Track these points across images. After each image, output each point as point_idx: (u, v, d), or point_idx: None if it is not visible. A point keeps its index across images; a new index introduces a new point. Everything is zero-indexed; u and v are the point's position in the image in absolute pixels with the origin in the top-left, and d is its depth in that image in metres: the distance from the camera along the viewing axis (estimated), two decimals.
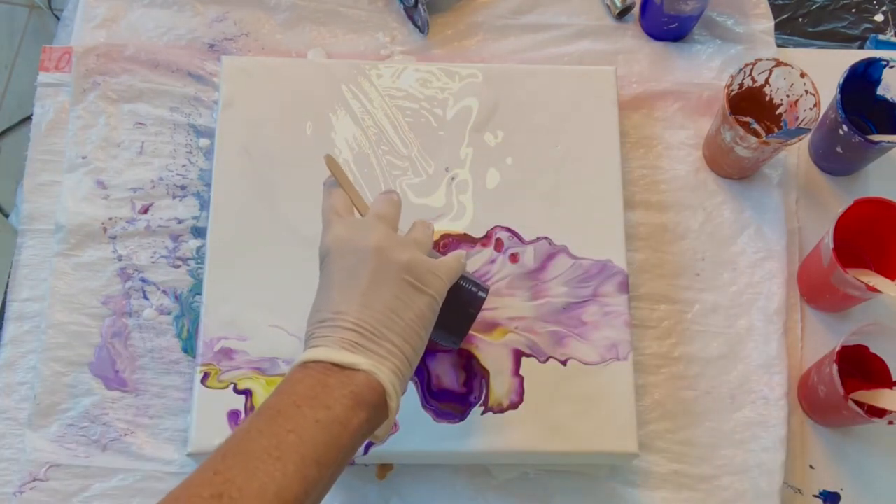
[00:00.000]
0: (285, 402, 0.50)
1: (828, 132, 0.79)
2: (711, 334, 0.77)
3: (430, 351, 0.71)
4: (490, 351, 0.71)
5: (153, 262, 0.77)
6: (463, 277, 0.62)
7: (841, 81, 0.76)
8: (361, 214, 0.61)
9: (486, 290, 0.63)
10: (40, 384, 0.73)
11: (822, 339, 0.78)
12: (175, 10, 0.85)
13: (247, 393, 0.69)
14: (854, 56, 0.79)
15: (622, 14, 0.87)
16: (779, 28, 0.88)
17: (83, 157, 0.79)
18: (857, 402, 0.67)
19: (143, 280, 0.76)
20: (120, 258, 0.77)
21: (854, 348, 0.72)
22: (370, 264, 0.55)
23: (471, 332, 0.71)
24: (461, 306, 0.62)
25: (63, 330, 0.74)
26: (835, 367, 0.68)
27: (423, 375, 0.70)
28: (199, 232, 0.78)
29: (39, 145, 0.81)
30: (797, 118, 0.77)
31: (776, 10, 0.89)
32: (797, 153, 0.84)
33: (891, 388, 0.71)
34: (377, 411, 0.53)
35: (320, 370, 0.52)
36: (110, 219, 0.77)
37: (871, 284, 0.70)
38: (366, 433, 0.53)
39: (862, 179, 0.84)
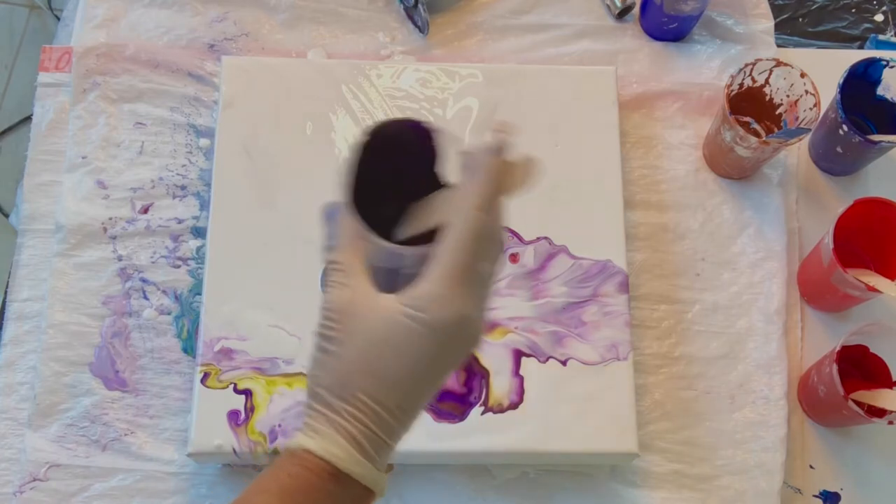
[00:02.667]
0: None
1: (828, 132, 0.79)
2: (711, 334, 0.77)
3: None
4: (490, 351, 0.71)
5: (153, 262, 0.77)
6: None
7: (841, 81, 0.76)
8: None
9: None
10: (40, 384, 0.73)
11: (822, 339, 0.78)
12: (175, 10, 0.85)
13: (247, 393, 0.69)
14: (854, 56, 0.79)
15: (622, 14, 0.87)
16: (779, 28, 0.88)
17: (83, 157, 0.79)
18: (857, 402, 0.67)
19: (143, 280, 0.76)
20: (120, 258, 0.77)
21: (854, 348, 0.72)
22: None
23: None
24: None
25: (63, 330, 0.74)
26: (835, 367, 0.68)
27: None
28: (199, 232, 0.78)
29: (39, 145, 0.81)
30: (797, 118, 0.77)
31: (776, 10, 0.89)
32: (797, 153, 0.84)
33: (891, 388, 0.71)
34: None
35: (329, 477, 0.42)
36: (110, 219, 0.77)
37: (871, 284, 0.70)
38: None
39: (862, 179, 0.84)
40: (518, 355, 0.71)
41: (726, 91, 0.75)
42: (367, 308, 0.44)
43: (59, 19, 1.05)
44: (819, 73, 0.76)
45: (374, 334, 0.43)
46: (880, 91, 0.79)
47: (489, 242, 0.45)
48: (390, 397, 0.43)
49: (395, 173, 0.50)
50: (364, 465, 0.43)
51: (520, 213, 0.75)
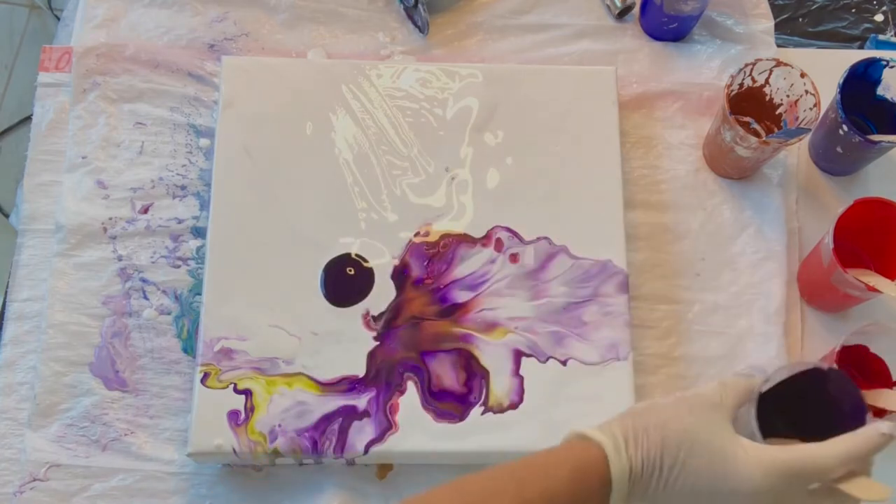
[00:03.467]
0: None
1: (828, 132, 0.79)
2: (711, 334, 0.77)
3: (430, 351, 0.71)
4: (490, 351, 0.71)
5: (153, 262, 0.77)
6: None
7: (841, 81, 0.76)
8: None
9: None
10: (40, 384, 0.73)
11: (822, 339, 0.78)
12: (175, 10, 0.85)
13: (247, 393, 0.69)
14: (854, 56, 0.79)
15: (622, 14, 0.87)
16: (779, 28, 0.88)
17: (83, 157, 0.79)
18: None
19: (143, 280, 0.76)
20: (120, 258, 0.77)
21: (854, 348, 0.72)
22: None
23: (471, 332, 0.71)
24: None
25: (63, 330, 0.74)
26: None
27: (423, 375, 0.70)
28: (199, 232, 0.78)
29: (39, 145, 0.81)
30: (797, 118, 0.77)
31: (776, 10, 0.89)
32: (797, 153, 0.84)
33: (891, 388, 0.71)
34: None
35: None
36: (110, 219, 0.77)
37: (871, 284, 0.70)
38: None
39: (862, 179, 0.84)
40: (518, 355, 0.71)
41: (726, 91, 0.75)
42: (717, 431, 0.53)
43: (59, 19, 1.05)
44: (819, 73, 0.76)
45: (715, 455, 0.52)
46: (880, 91, 0.79)
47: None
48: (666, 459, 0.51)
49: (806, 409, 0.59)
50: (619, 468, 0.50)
51: (520, 213, 0.75)
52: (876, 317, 0.78)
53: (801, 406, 0.61)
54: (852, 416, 0.57)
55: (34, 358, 0.74)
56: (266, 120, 0.77)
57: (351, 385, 0.70)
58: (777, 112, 0.79)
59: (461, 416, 0.69)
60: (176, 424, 0.73)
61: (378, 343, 0.71)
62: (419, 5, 0.84)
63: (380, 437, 0.68)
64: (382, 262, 0.73)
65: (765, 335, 0.77)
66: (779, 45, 0.87)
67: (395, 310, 0.72)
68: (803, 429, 0.60)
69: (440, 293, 0.73)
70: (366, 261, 0.73)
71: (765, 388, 0.58)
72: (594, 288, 0.73)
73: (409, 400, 0.69)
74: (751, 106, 0.80)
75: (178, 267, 0.77)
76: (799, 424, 0.61)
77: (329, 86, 0.78)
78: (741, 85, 0.77)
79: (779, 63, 0.76)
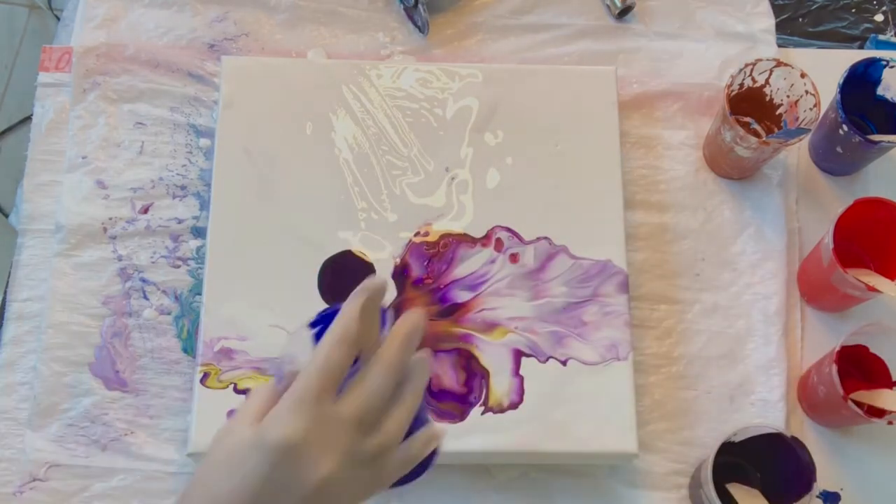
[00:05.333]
0: None
1: (828, 132, 0.79)
2: (711, 334, 0.77)
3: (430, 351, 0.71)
4: (490, 351, 0.71)
5: (153, 262, 0.77)
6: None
7: (841, 81, 0.76)
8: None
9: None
10: (40, 384, 0.73)
11: (822, 339, 0.78)
12: (175, 10, 0.85)
13: (247, 393, 0.69)
14: (854, 56, 0.79)
15: (622, 14, 0.87)
16: (779, 28, 0.88)
17: (83, 157, 0.79)
18: (856, 402, 0.67)
19: (143, 280, 0.76)
20: (120, 258, 0.77)
21: (854, 348, 0.72)
22: (299, 498, 0.42)
23: (471, 332, 0.71)
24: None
25: (63, 330, 0.74)
26: (834, 368, 0.68)
27: None
28: (199, 232, 0.78)
29: (39, 145, 0.81)
30: (797, 118, 0.77)
31: (776, 10, 0.89)
32: (797, 153, 0.84)
33: (891, 388, 0.71)
34: None
35: None
36: (110, 219, 0.77)
37: (871, 284, 0.70)
38: None
39: (862, 179, 0.84)
40: (518, 355, 0.71)
41: (726, 91, 0.75)
42: (229, 431, 0.44)
43: (59, 19, 1.05)
44: (819, 73, 0.76)
45: (218, 455, 0.43)
46: (880, 91, 0.79)
47: (356, 384, 0.44)
48: None
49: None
50: None
51: (520, 213, 0.75)
52: (876, 317, 0.78)
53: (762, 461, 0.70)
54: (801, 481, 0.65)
55: (34, 358, 0.74)
56: (266, 120, 0.77)
57: None
58: (777, 112, 0.79)
59: (461, 416, 0.69)
60: (176, 424, 0.73)
61: None
62: (419, 5, 0.84)
63: None
64: (383, 258, 0.73)
65: (764, 336, 0.77)
66: (779, 45, 0.87)
67: (395, 310, 0.72)
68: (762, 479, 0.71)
69: (440, 293, 0.73)
70: (367, 257, 0.73)
71: (735, 439, 0.66)
72: (594, 288, 0.73)
73: None
74: (751, 106, 0.80)
75: (178, 267, 0.77)
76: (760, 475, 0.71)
77: (329, 86, 0.78)
78: (741, 85, 0.77)
79: (779, 63, 0.76)
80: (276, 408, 0.43)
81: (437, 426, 0.48)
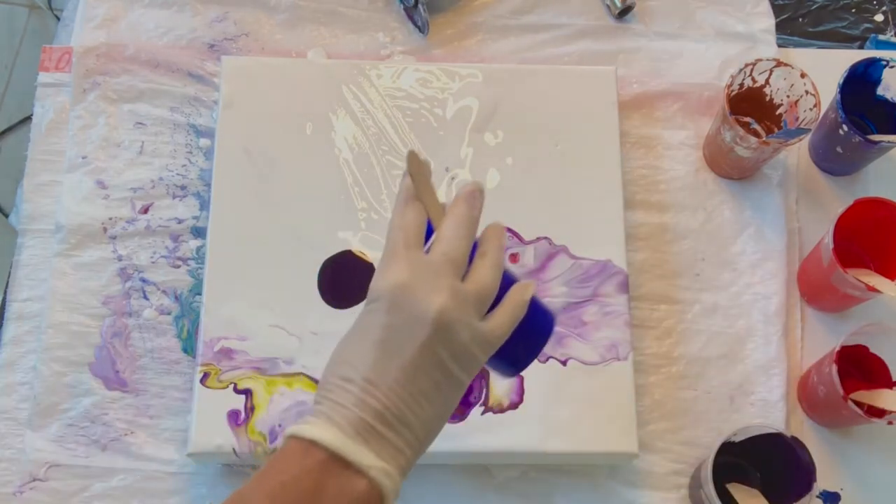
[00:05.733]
0: None
1: (828, 132, 0.79)
2: (711, 334, 0.77)
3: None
4: None
5: (153, 262, 0.77)
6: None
7: (841, 81, 0.76)
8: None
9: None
10: (40, 384, 0.73)
11: (822, 339, 0.78)
12: (175, 10, 0.85)
13: (247, 393, 0.69)
14: (854, 56, 0.79)
15: (622, 14, 0.87)
16: (779, 28, 0.88)
17: (83, 157, 0.79)
18: (856, 402, 0.67)
19: (143, 280, 0.76)
20: (120, 258, 0.77)
21: (854, 348, 0.72)
22: (422, 336, 0.46)
23: None
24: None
25: (63, 330, 0.74)
26: (834, 368, 0.68)
27: None
28: (199, 232, 0.78)
29: (39, 145, 0.81)
30: (797, 118, 0.77)
31: (776, 10, 0.89)
32: (797, 153, 0.84)
33: (891, 388, 0.71)
34: None
35: (321, 462, 0.44)
36: (110, 219, 0.77)
37: (871, 284, 0.70)
38: None
39: (862, 179, 0.84)
40: None
41: (726, 91, 0.75)
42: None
43: (59, 19, 1.05)
44: (819, 73, 0.76)
45: (352, 327, 0.49)
46: (880, 91, 0.79)
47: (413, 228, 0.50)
48: (355, 371, 0.46)
49: None
50: (344, 442, 0.45)
51: (520, 213, 0.75)
52: (876, 317, 0.78)
53: (762, 460, 0.70)
54: (802, 481, 0.65)
55: (34, 358, 0.74)
56: (266, 120, 0.77)
57: None
58: (777, 112, 0.79)
59: (461, 416, 0.69)
60: (176, 424, 0.73)
61: None
62: (419, 5, 0.84)
63: None
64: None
65: (764, 336, 0.77)
66: (779, 45, 0.87)
67: None
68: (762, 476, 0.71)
69: None
70: (367, 257, 0.73)
71: (735, 439, 0.66)
72: (594, 288, 0.73)
73: None
74: (751, 106, 0.80)
75: (178, 267, 0.77)
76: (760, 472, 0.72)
77: (329, 86, 0.78)
78: (741, 85, 0.77)
79: (779, 63, 0.76)
80: (376, 273, 0.49)
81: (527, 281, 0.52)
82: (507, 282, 0.51)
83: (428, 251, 0.50)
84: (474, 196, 0.51)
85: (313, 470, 0.45)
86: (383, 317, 0.47)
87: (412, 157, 0.50)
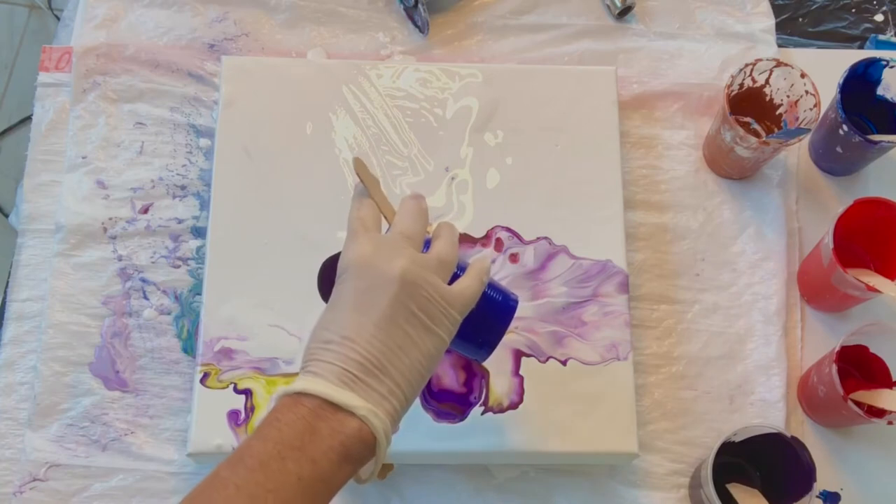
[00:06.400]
0: (269, 450, 0.47)
1: (828, 132, 0.79)
2: (711, 334, 0.77)
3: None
4: None
5: (153, 262, 0.77)
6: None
7: (841, 81, 0.76)
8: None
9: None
10: (40, 384, 0.73)
11: (822, 339, 0.78)
12: (175, 10, 0.85)
13: (247, 393, 0.69)
14: (854, 56, 0.79)
15: (622, 14, 0.87)
16: (779, 28, 0.88)
17: (83, 157, 0.79)
18: (856, 402, 0.67)
19: (143, 280, 0.76)
20: (120, 258, 0.77)
21: (854, 348, 0.72)
22: (389, 293, 0.51)
23: None
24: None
25: (63, 330, 0.74)
26: (834, 368, 0.68)
27: None
28: (199, 232, 0.78)
29: (39, 145, 0.81)
30: (797, 118, 0.77)
31: (776, 10, 0.89)
32: (797, 153, 0.84)
33: (891, 388, 0.71)
34: (364, 461, 0.50)
35: (312, 410, 0.48)
36: (110, 219, 0.77)
37: (871, 284, 0.70)
38: (347, 480, 0.50)
39: (862, 179, 0.84)
40: (518, 355, 0.71)
41: (726, 91, 0.75)
42: None
43: (59, 19, 1.05)
44: (819, 73, 0.76)
45: (327, 304, 0.53)
46: (880, 91, 0.79)
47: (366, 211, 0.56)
48: (334, 333, 0.50)
49: None
50: (331, 388, 0.48)
51: (520, 213, 0.75)
52: (876, 317, 0.78)
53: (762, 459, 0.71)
54: (802, 481, 0.66)
55: (34, 358, 0.74)
56: (266, 120, 0.77)
57: None
58: (777, 112, 0.79)
59: (461, 416, 0.69)
60: (176, 424, 0.73)
61: None
62: (419, 5, 0.84)
63: None
64: None
65: (764, 336, 0.77)
66: (779, 45, 0.87)
67: None
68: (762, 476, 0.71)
69: None
70: None
71: (735, 439, 0.67)
72: (594, 288, 0.73)
73: None
74: (751, 106, 0.80)
75: (178, 267, 0.77)
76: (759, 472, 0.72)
77: (329, 86, 0.78)
78: (741, 85, 0.77)
79: (779, 63, 0.76)
80: (341, 254, 0.54)
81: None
82: (463, 270, 0.56)
83: (385, 233, 0.55)
84: (419, 195, 0.57)
85: (306, 415, 0.48)
86: (353, 283, 0.52)
87: (358, 165, 0.57)
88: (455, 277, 0.55)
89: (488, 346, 0.58)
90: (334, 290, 0.53)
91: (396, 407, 0.50)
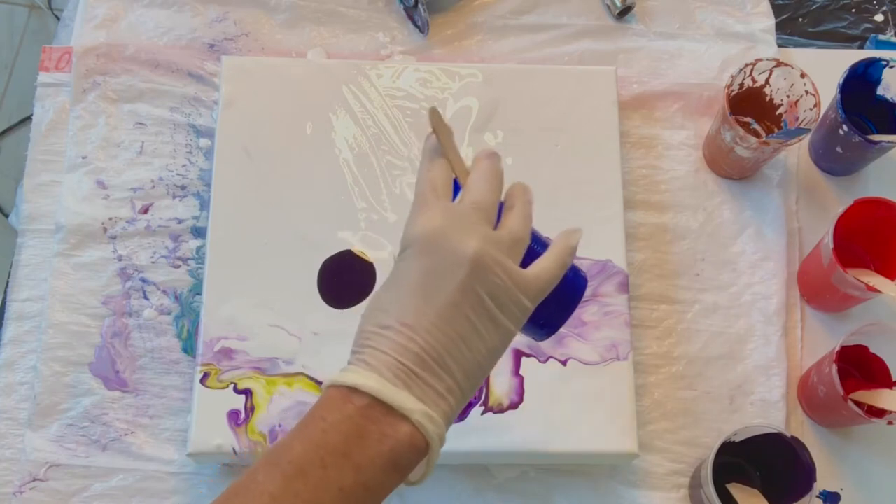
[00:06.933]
0: (311, 456, 0.43)
1: (828, 132, 0.79)
2: (711, 334, 0.77)
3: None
4: None
5: (153, 262, 0.77)
6: None
7: (841, 81, 0.76)
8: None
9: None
10: (40, 384, 0.73)
11: (822, 339, 0.78)
12: (175, 10, 0.85)
13: (247, 393, 0.69)
14: (854, 56, 0.79)
15: (622, 14, 0.87)
16: (779, 28, 0.88)
17: (83, 157, 0.79)
18: (856, 402, 0.67)
19: (143, 280, 0.76)
20: (120, 258, 0.77)
21: (854, 348, 0.72)
22: (459, 276, 0.45)
23: None
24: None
25: (63, 330, 0.74)
26: (834, 368, 0.68)
27: None
28: (199, 232, 0.78)
29: (39, 145, 0.81)
30: (797, 118, 0.77)
31: (776, 10, 0.89)
32: (797, 153, 0.84)
33: (891, 388, 0.71)
34: (413, 467, 0.46)
35: (362, 409, 0.44)
36: (110, 219, 0.77)
37: (871, 284, 0.70)
38: (394, 488, 0.46)
39: (862, 179, 0.84)
40: (518, 355, 0.71)
41: (726, 91, 0.75)
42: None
43: (59, 19, 1.05)
44: (819, 73, 0.76)
45: (387, 279, 0.48)
46: (880, 91, 0.79)
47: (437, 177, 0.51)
48: (392, 317, 0.45)
49: None
50: (385, 386, 0.44)
51: None
52: (876, 317, 0.78)
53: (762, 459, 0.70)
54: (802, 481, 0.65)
55: (34, 358, 0.74)
56: (266, 120, 0.77)
57: None
58: (777, 112, 0.79)
59: (461, 416, 0.69)
60: (176, 424, 0.73)
61: None
62: (419, 5, 0.84)
63: None
64: (383, 258, 0.73)
65: (765, 335, 0.77)
66: (779, 45, 0.87)
67: None
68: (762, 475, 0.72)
69: None
70: (367, 257, 0.73)
71: (735, 439, 0.66)
72: (594, 288, 0.73)
73: None
74: (751, 106, 0.80)
75: (178, 267, 0.77)
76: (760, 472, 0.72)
77: (329, 86, 0.78)
78: (741, 85, 0.77)
79: (779, 63, 0.76)
80: (406, 223, 0.49)
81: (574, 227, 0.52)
82: (537, 243, 0.52)
83: (457, 202, 0.50)
84: (494, 154, 0.51)
85: (354, 415, 0.44)
86: (418, 261, 0.46)
87: (434, 114, 0.51)
88: (530, 252, 0.50)
89: (551, 327, 0.53)
90: (396, 265, 0.48)
91: (453, 406, 0.46)
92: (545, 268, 0.49)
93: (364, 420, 0.44)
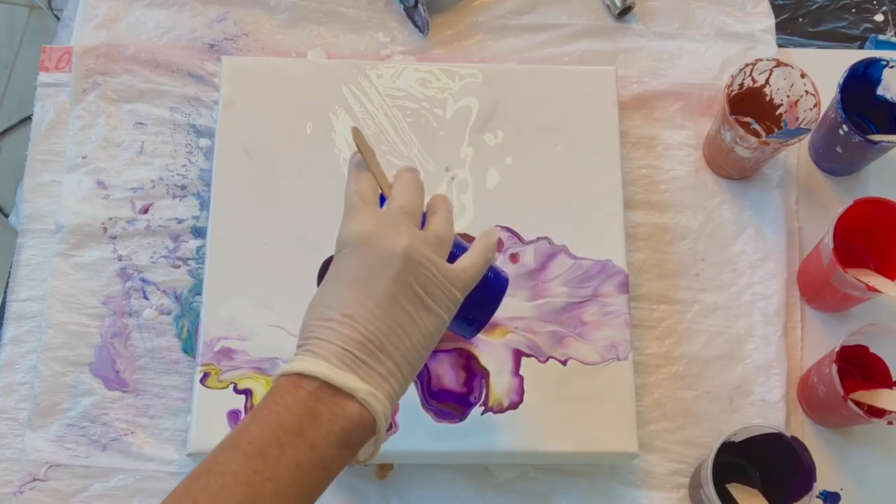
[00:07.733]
0: (268, 436, 0.46)
1: (828, 132, 0.79)
2: (711, 334, 0.77)
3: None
4: (490, 351, 0.71)
5: (153, 262, 0.77)
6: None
7: (841, 81, 0.76)
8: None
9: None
10: (40, 384, 0.73)
11: (822, 339, 0.78)
12: (175, 10, 0.85)
13: (247, 393, 0.69)
14: (854, 56, 0.79)
15: (622, 14, 0.87)
16: (779, 28, 0.88)
17: (83, 157, 0.79)
18: (856, 402, 0.67)
19: (143, 280, 0.76)
20: (120, 258, 0.77)
21: (854, 348, 0.72)
22: (392, 270, 0.50)
23: None
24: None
25: (63, 330, 0.74)
26: (834, 368, 0.68)
27: (422, 375, 0.70)
28: (199, 232, 0.78)
29: (39, 145, 0.81)
30: (797, 118, 0.77)
31: (776, 10, 0.89)
32: (797, 153, 0.84)
33: (891, 388, 0.71)
34: (363, 444, 0.49)
35: (312, 392, 0.47)
36: (110, 219, 0.77)
37: (871, 284, 0.70)
38: (346, 464, 0.49)
39: (862, 179, 0.84)
40: (518, 355, 0.71)
41: (726, 91, 0.75)
42: None
43: (59, 19, 1.05)
44: (819, 73, 0.76)
45: (325, 278, 0.52)
46: (880, 91, 0.79)
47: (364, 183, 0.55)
48: (333, 310, 0.50)
49: None
50: (332, 370, 0.48)
51: (520, 213, 0.75)
52: (876, 317, 0.78)
53: (762, 459, 0.71)
54: (802, 481, 0.66)
55: (34, 358, 0.74)
56: (266, 120, 0.77)
57: None
58: (777, 112, 0.79)
59: (461, 416, 0.69)
60: (176, 424, 0.73)
61: None
62: (419, 5, 0.84)
63: None
64: None
65: (764, 336, 0.77)
66: (779, 45, 0.87)
67: None
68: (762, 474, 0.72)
69: None
70: None
71: (735, 439, 0.67)
72: (594, 288, 0.73)
73: (409, 400, 0.69)
74: (751, 106, 0.80)
75: (178, 267, 0.77)
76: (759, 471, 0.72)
77: (329, 86, 0.78)
78: (741, 85, 0.77)
79: (779, 63, 0.76)
80: (339, 229, 0.53)
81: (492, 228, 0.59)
82: (461, 249, 0.56)
83: (385, 208, 0.54)
84: (415, 169, 0.56)
85: (305, 399, 0.47)
86: (354, 259, 0.51)
87: (356, 133, 0.55)
88: (454, 257, 0.54)
89: (477, 323, 0.58)
90: (332, 264, 0.52)
91: (396, 388, 0.50)
92: (470, 262, 0.54)
93: (315, 402, 0.47)
